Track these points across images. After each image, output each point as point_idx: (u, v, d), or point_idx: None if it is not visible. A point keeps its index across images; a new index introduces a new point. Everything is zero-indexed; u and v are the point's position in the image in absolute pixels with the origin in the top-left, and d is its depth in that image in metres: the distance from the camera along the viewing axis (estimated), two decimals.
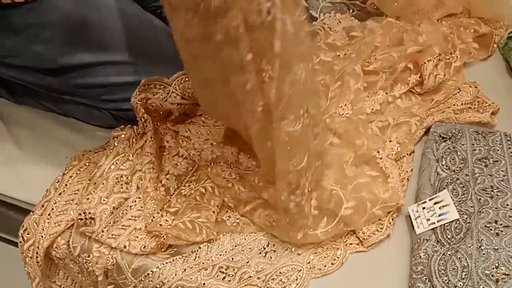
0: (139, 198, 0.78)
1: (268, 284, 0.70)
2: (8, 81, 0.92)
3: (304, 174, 0.67)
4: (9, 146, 0.90)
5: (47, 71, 0.83)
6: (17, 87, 0.93)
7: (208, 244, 0.74)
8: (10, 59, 0.83)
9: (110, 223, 0.76)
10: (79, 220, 0.75)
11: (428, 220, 0.70)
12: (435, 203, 0.72)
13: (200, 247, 0.74)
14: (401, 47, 0.88)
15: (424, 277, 0.65)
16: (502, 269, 0.64)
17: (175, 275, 0.71)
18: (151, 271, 0.72)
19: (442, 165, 0.76)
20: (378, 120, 0.84)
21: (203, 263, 0.72)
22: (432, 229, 0.69)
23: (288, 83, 0.60)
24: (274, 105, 0.61)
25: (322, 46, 0.91)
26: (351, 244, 0.73)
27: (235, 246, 0.74)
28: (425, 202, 0.73)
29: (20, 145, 0.90)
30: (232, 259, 0.73)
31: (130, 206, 0.77)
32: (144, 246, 0.73)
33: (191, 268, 0.72)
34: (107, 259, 0.74)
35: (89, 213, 0.76)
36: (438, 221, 0.70)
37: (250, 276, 0.71)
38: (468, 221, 0.69)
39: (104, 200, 0.77)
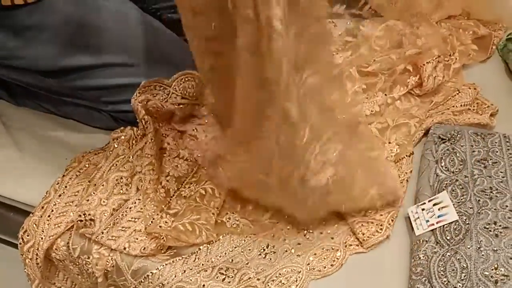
0: (139, 199, 0.78)
1: (268, 285, 0.70)
2: (8, 83, 0.92)
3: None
4: (9, 148, 0.90)
5: (47, 73, 0.83)
6: (17, 88, 0.93)
7: (208, 245, 0.74)
8: (10, 61, 0.83)
9: (110, 224, 0.76)
10: (79, 222, 0.75)
11: (427, 221, 0.70)
12: (434, 205, 0.72)
13: (199, 249, 0.74)
14: (400, 49, 0.88)
15: (424, 278, 0.66)
16: (501, 270, 0.64)
17: (175, 276, 0.71)
18: (151, 272, 0.72)
19: (441, 166, 0.76)
20: (377, 121, 0.84)
21: (202, 264, 0.72)
22: (432, 230, 0.70)
23: None
24: None
25: None
26: (351, 245, 0.73)
27: (235, 247, 0.74)
28: (425, 203, 0.73)
29: (20, 146, 0.90)
30: (232, 260, 0.73)
31: (130, 208, 0.78)
32: (144, 248, 0.73)
33: (191, 269, 0.72)
34: (107, 261, 0.74)
35: (89, 214, 0.76)
36: (437, 223, 0.70)
37: (249, 278, 0.71)
38: (467, 222, 0.69)
39: (104, 202, 0.78)
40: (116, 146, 0.83)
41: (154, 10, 0.95)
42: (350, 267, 0.71)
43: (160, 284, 0.71)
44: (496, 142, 0.78)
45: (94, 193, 0.78)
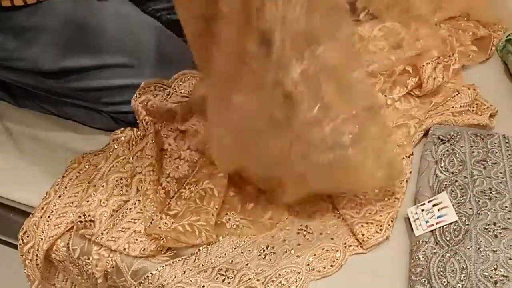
0: (139, 200, 0.78)
1: (268, 286, 0.70)
2: (8, 84, 0.93)
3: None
4: (9, 149, 0.91)
5: (47, 74, 0.83)
6: (17, 89, 0.93)
7: (208, 246, 0.74)
8: (10, 62, 0.83)
9: (109, 225, 0.76)
10: (78, 223, 0.76)
11: (427, 222, 0.70)
12: (434, 205, 0.72)
13: (199, 250, 0.74)
14: (399, 50, 0.88)
15: (423, 279, 0.66)
16: (500, 271, 0.64)
17: (175, 277, 0.71)
18: (151, 273, 0.72)
19: (441, 167, 0.76)
20: None
21: (202, 265, 0.72)
22: (431, 231, 0.70)
23: None
24: None
25: None
26: (350, 246, 0.73)
27: (235, 248, 0.74)
28: (424, 204, 0.73)
29: (20, 147, 0.90)
30: (232, 261, 0.73)
31: (130, 209, 0.78)
32: (144, 249, 0.73)
33: (191, 270, 0.72)
34: (107, 262, 0.74)
35: (89, 215, 0.76)
36: (437, 223, 0.70)
37: (249, 278, 0.71)
38: (466, 223, 0.69)
39: (103, 203, 0.78)
40: (116, 147, 0.83)
41: (153, 11, 0.95)
42: (350, 267, 0.71)
43: (160, 285, 0.71)
44: (495, 143, 0.78)
45: (94, 194, 0.78)
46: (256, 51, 0.58)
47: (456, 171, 0.76)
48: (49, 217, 0.78)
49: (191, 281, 0.71)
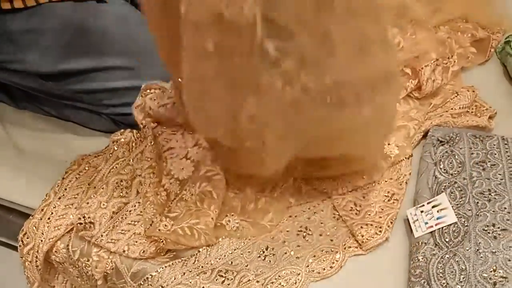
0: (138, 203, 0.78)
1: (267, 287, 0.70)
2: (8, 86, 0.93)
3: None
4: (9, 150, 0.91)
5: (47, 76, 0.84)
6: (17, 91, 0.93)
7: (207, 248, 0.74)
8: (10, 64, 0.84)
9: (109, 227, 0.76)
10: (78, 224, 0.76)
11: (426, 223, 0.70)
12: (433, 207, 0.72)
13: (199, 251, 0.74)
14: (398, 53, 0.89)
15: (423, 280, 0.66)
16: (499, 272, 0.64)
17: (174, 279, 0.71)
18: (150, 275, 0.72)
19: (440, 168, 0.77)
20: None
21: (202, 266, 0.72)
22: (430, 232, 0.70)
23: None
24: None
25: None
26: (350, 247, 0.73)
27: (234, 249, 0.74)
28: (423, 205, 0.73)
29: (20, 149, 0.91)
30: (231, 262, 0.73)
31: (130, 211, 0.78)
32: (143, 251, 0.73)
33: (190, 272, 0.72)
34: (107, 263, 0.74)
35: (89, 217, 0.76)
36: (436, 225, 0.70)
37: (249, 280, 0.71)
38: (466, 224, 0.69)
39: (103, 205, 0.78)
40: (116, 148, 0.83)
41: None
42: (349, 269, 0.71)
43: (160, 287, 0.71)
44: (494, 145, 0.78)
45: (94, 196, 0.78)
46: None
47: (455, 172, 0.76)
48: (49, 218, 0.78)
49: (190, 282, 0.71)
